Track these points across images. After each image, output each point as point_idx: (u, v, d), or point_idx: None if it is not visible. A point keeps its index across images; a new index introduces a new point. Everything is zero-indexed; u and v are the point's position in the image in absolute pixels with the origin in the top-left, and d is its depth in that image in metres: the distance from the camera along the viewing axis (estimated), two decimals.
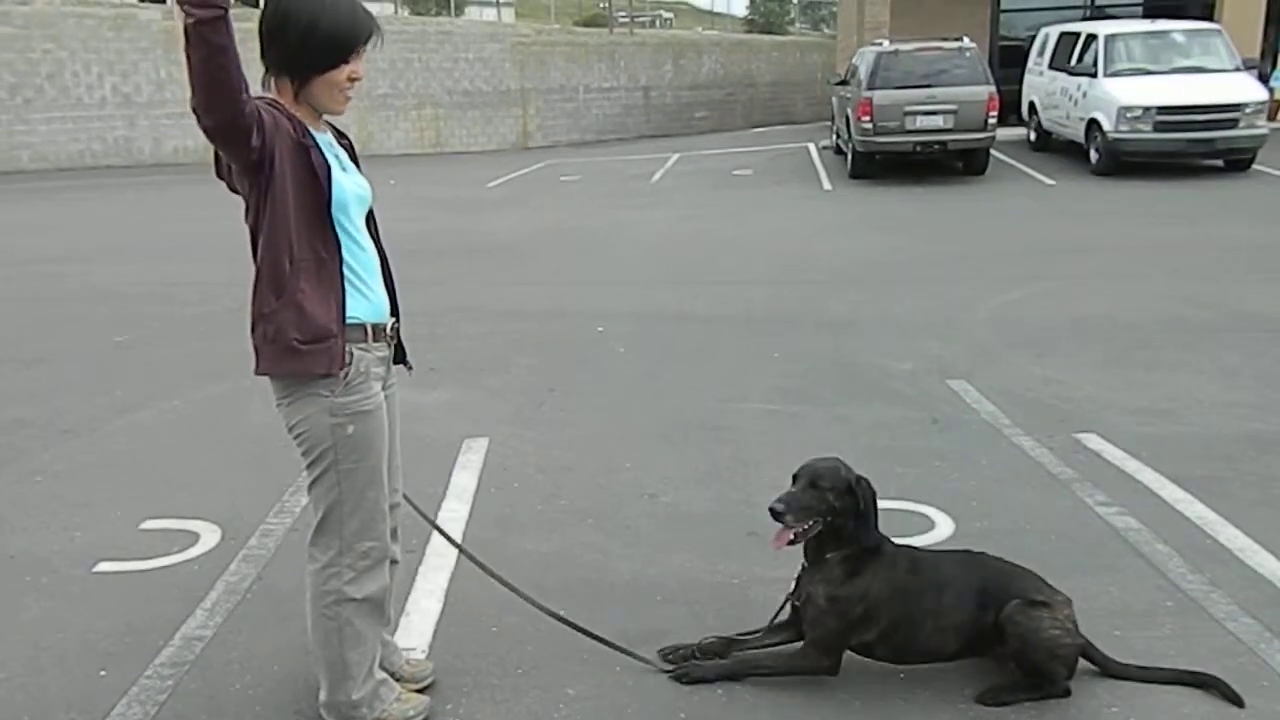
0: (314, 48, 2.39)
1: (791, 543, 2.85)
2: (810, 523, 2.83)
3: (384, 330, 2.62)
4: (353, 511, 2.57)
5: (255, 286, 2.48)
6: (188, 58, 2.14)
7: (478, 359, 6.41)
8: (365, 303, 2.55)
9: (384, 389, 2.68)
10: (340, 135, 2.66)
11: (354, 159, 2.66)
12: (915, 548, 3.02)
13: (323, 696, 2.68)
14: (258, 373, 2.53)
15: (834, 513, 2.83)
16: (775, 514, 2.80)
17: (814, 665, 2.88)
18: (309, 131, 2.44)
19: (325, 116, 2.56)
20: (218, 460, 4.79)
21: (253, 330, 2.50)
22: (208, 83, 2.16)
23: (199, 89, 2.17)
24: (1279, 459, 4.48)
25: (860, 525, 2.86)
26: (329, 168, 2.45)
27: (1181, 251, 9.13)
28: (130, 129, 19.80)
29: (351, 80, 2.46)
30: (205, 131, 2.23)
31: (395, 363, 2.80)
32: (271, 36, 2.41)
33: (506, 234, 11.43)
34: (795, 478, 2.90)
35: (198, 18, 2.09)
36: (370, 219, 2.68)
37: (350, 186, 2.52)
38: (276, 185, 2.36)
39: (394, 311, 2.72)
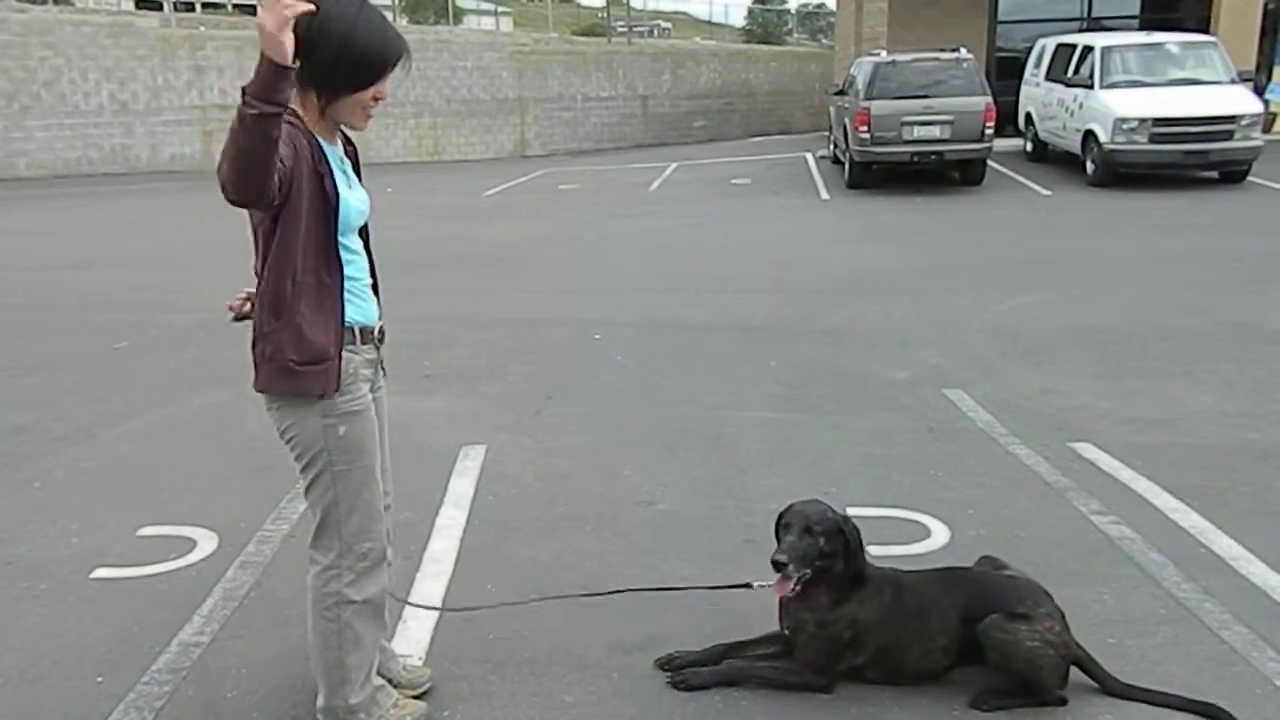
0: (345, 68, 2.39)
1: (793, 589, 2.87)
2: (807, 570, 2.85)
3: (372, 333, 2.64)
4: (350, 512, 2.58)
5: (258, 303, 2.51)
6: (234, 140, 2.10)
7: (475, 366, 6.42)
8: (354, 306, 2.56)
9: (372, 391, 2.69)
10: (347, 142, 2.68)
11: (357, 168, 2.68)
12: (899, 571, 3.03)
13: (320, 701, 2.68)
14: (256, 389, 2.55)
15: (825, 556, 2.86)
16: (778, 565, 2.82)
17: (809, 683, 2.90)
18: (324, 155, 2.45)
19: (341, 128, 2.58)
20: (215, 467, 4.79)
21: (253, 346, 2.53)
22: (245, 168, 2.13)
23: (233, 170, 2.13)
24: (1273, 469, 4.50)
25: (852, 562, 2.88)
26: (338, 192, 2.47)
27: (1177, 262, 9.16)
28: (127, 136, 19.81)
29: (376, 99, 2.47)
30: (227, 200, 2.21)
31: None
32: (306, 52, 2.37)
33: (504, 242, 11.45)
34: (785, 524, 2.91)
35: (260, 111, 2.07)
36: (367, 227, 2.70)
37: (354, 204, 2.55)
38: (289, 213, 2.38)
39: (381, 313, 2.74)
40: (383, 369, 2.84)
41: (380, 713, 2.72)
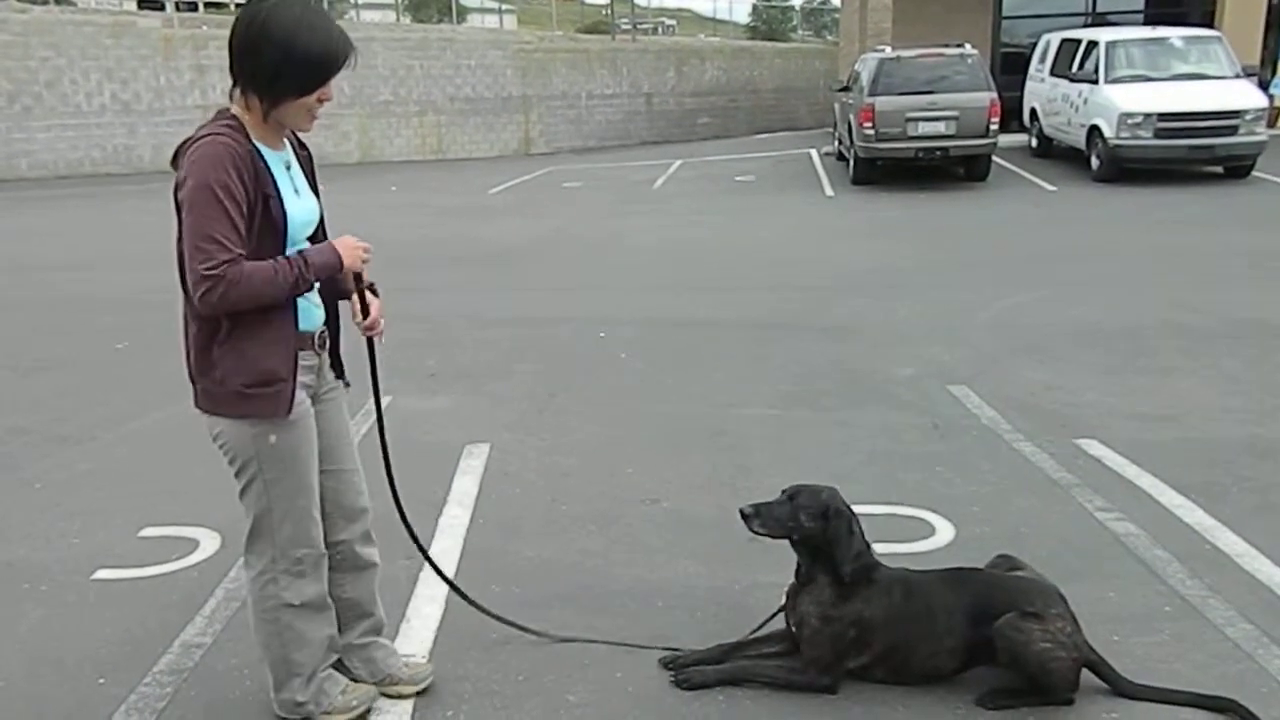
0: (289, 73, 2.33)
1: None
2: (782, 533, 2.90)
3: (310, 339, 2.58)
4: (283, 520, 2.57)
5: (198, 327, 2.45)
6: (272, 287, 2.34)
7: (479, 365, 6.41)
8: (295, 313, 2.52)
9: (319, 396, 2.65)
10: (300, 146, 2.62)
11: (311, 171, 2.63)
12: (909, 571, 3.01)
13: (272, 693, 2.73)
14: (201, 409, 2.52)
15: (802, 531, 2.87)
16: (743, 515, 2.92)
17: (812, 683, 2.89)
18: (269, 172, 2.40)
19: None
20: (217, 467, 4.69)
21: (199, 373, 2.48)
22: (258, 303, 2.36)
23: (244, 303, 2.33)
24: (1278, 465, 4.48)
25: (839, 549, 2.86)
26: (285, 212, 2.43)
27: (1182, 258, 9.13)
28: (130, 136, 19.83)
29: (321, 102, 2.42)
30: (202, 309, 2.36)
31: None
32: (244, 55, 2.35)
33: (508, 240, 11.44)
34: (783, 492, 2.97)
35: (314, 280, 2.44)
36: (321, 230, 2.65)
37: (300, 215, 2.50)
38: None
39: (335, 320, 2.70)
40: (344, 379, 2.78)
41: (329, 702, 2.74)
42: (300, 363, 2.52)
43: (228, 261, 2.28)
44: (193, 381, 2.52)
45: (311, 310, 2.58)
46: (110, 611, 3.46)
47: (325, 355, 2.68)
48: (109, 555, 3.88)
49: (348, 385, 2.80)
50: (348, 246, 2.51)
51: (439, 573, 3.21)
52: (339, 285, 2.62)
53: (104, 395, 5.96)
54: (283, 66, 2.32)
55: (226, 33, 2.41)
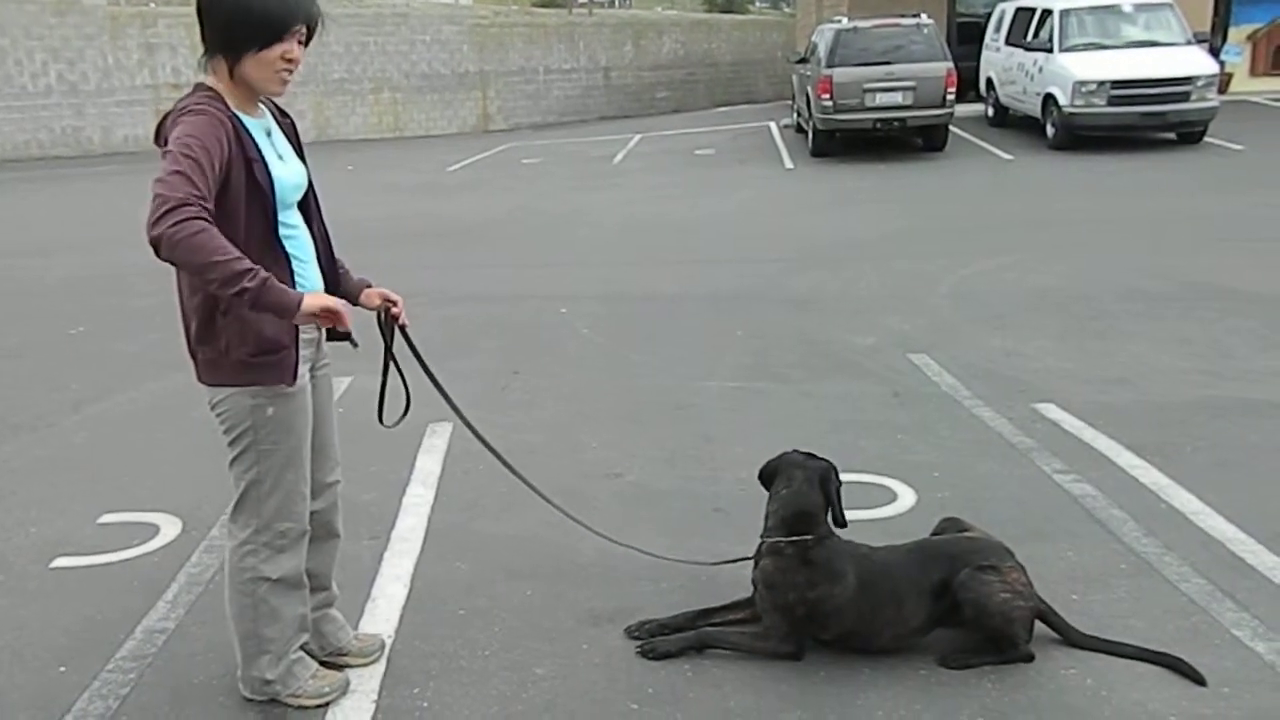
0: (245, 25, 2.35)
1: None
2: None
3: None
4: (271, 491, 2.57)
5: (196, 301, 2.44)
6: (204, 275, 2.21)
7: (441, 343, 6.35)
8: (291, 284, 2.50)
9: (314, 369, 2.67)
10: (281, 114, 2.62)
11: (296, 139, 2.63)
12: (874, 552, 2.97)
13: (239, 671, 2.72)
14: (205, 383, 2.53)
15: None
16: None
17: (775, 650, 2.90)
18: (251, 137, 2.40)
19: (263, 97, 2.52)
20: (177, 452, 4.72)
21: (201, 342, 2.48)
22: (190, 271, 2.28)
23: (179, 262, 2.22)
24: (1231, 425, 4.57)
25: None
26: (271, 176, 2.42)
27: (1136, 223, 9.25)
28: (78, 118, 19.38)
29: (286, 60, 2.41)
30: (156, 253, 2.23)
31: (340, 339, 2.76)
32: (206, 13, 2.38)
33: (468, 218, 11.36)
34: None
35: (247, 306, 2.25)
36: (312, 196, 2.65)
37: (288, 178, 2.50)
38: (224, 214, 2.32)
39: (336, 290, 2.71)
40: (352, 340, 2.79)
41: (297, 685, 2.73)
42: (301, 335, 2.54)
43: (196, 195, 2.17)
44: (192, 354, 2.52)
45: (311, 283, 2.58)
46: (70, 599, 3.41)
47: (324, 331, 2.68)
48: (68, 543, 3.82)
49: (355, 345, 2.74)
50: (318, 301, 2.35)
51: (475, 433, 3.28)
52: (347, 285, 2.72)
53: (60, 381, 5.86)
54: (237, 20, 2.34)
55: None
